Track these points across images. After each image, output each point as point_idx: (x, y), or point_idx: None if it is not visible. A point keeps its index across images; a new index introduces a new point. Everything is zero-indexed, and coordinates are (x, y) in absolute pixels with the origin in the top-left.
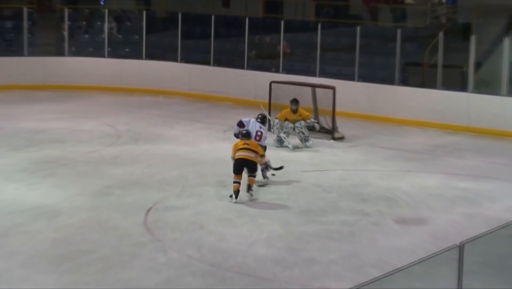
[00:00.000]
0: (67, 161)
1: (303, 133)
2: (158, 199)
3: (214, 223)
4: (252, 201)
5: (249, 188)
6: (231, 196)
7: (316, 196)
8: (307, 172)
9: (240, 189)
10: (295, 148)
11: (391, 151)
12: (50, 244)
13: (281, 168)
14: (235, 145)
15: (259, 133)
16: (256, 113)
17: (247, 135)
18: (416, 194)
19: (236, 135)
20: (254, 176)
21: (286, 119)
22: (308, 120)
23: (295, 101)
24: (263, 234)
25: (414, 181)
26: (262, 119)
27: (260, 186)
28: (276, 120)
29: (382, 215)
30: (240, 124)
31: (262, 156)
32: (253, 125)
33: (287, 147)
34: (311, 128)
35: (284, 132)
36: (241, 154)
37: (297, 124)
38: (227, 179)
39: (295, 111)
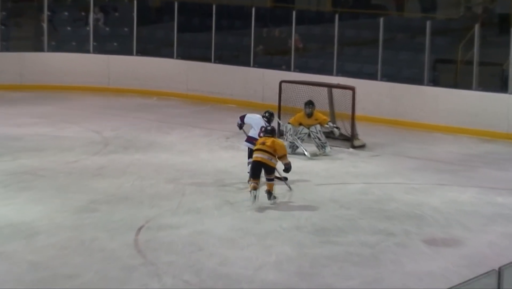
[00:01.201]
0: (46, 172)
1: (319, 138)
2: (150, 216)
3: (215, 244)
4: (259, 215)
5: (269, 195)
6: (272, 198)
7: (332, 213)
8: (322, 185)
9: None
10: (313, 155)
11: (419, 161)
12: (27, 268)
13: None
14: (256, 143)
15: (261, 134)
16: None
17: (269, 132)
18: (448, 210)
19: (239, 126)
20: (272, 179)
21: (300, 124)
22: (326, 125)
23: (310, 104)
24: (272, 257)
25: (446, 195)
26: (269, 118)
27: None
28: (289, 126)
29: (409, 235)
30: (242, 119)
31: (283, 156)
32: (258, 121)
33: (303, 154)
34: (329, 134)
35: (299, 138)
36: (256, 156)
37: (312, 128)
38: (230, 194)
39: (309, 115)
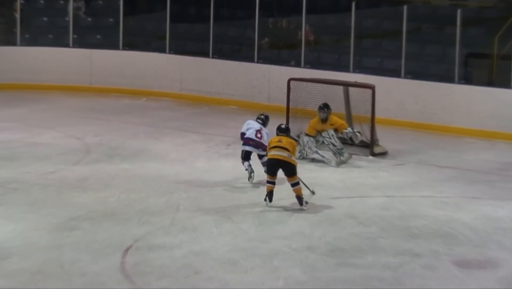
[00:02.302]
0: (19, 185)
1: (333, 144)
2: (139, 234)
3: (214, 266)
4: (265, 233)
5: (299, 201)
6: (265, 200)
7: (349, 230)
8: (338, 198)
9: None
10: (340, 163)
11: (449, 171)
12: None
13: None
14: (270, 142)
15: (258, 134)
16: (270, 121)
17: (284, 131)
18: (482, 228)
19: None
20: (297, 183)
21: (316, 132)
22: (345, 130)
23: (324, 108)
24: (279, 281)
25: (480, 210)
26: (264, 120)
27: None
28: (306, 138)
29: (437, 256)
30: (242, 136)
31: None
32: (252, 124)
33: (321, 162)
34: (346, 140)
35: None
36: (273, 153)
37: (324, 134)
38: (231, 209)
39: (324, 120)
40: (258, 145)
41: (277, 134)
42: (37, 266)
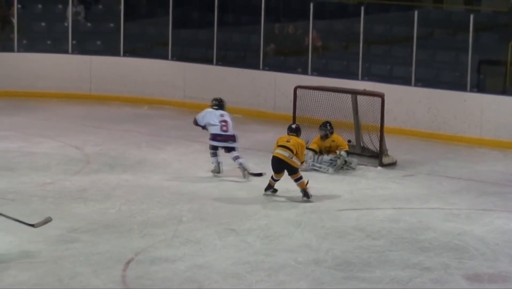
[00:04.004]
0: (17, 196)
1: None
2: (141, 247)
3: (217, 280)
4: (270, 246)
5: (304, 194)
6: (265, 189)
7: (357, 243)
8: (345, 210)
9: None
10: (338, 168)
11: (461, 182)
12: None
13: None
14: (278, 140)
15: (223, 123)
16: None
17: (294, 130)
18: (494, 241)
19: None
20: (299, 178)
21: (320, 149)
22: (341, 153)
23: (324, 126)
24: None
25: (492, 223)
26: (219, 104)
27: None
28: (310, 153)
29: (448, 270)
30: (197, 123)
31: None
32: (211, 116)
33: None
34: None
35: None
36: (276, 152)
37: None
38: (235, 220)
39: (323, 137)
40: (226, 139)
41: (288, 134)
42: (36, 279)
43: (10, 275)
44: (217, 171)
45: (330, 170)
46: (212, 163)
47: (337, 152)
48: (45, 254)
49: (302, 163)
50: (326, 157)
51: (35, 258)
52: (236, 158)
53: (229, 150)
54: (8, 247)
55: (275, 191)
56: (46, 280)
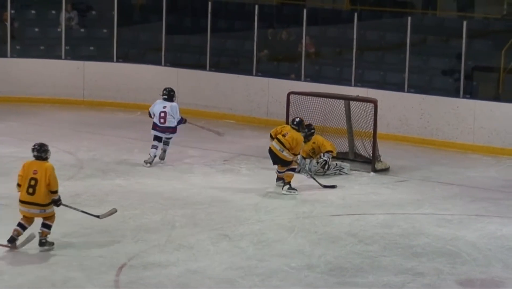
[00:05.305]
0: (9, 201)
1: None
2: (134, 252)
3: (210, 285)
4: (263, 251)
5: (284, 184)
6: (276, 180)
7: (350, 249)
8: (338, 216)
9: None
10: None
11: (453, 188)
12: None
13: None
14: (277, 130)
15: (162, 114)
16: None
17: (296, 125)
18: (486, 246)
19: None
20: (291, 170)
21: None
22: (322, 158)
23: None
24: None
25: (484, 228)
26: (168, 95)
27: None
28: (299, 157)
29: (441, 275)
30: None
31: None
32: (158, 106)
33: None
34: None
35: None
36: (271, 144)
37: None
38: (228, 226)
39: (304, 138)
40: (164, 130)
41: (290, 126)
42: (28, 284)
43: (3, 280)
44: (149, 161)
45: (309, 174)
46: (149, 154)
47: (320, 155)
48: (38, 259)
49: (296, 155)
50: (314, 162)
51: (28, 263)
52: (165, 143)
53: (165, 142)
54: (1, 252)
55: (284, 183)
56: (39, 285)
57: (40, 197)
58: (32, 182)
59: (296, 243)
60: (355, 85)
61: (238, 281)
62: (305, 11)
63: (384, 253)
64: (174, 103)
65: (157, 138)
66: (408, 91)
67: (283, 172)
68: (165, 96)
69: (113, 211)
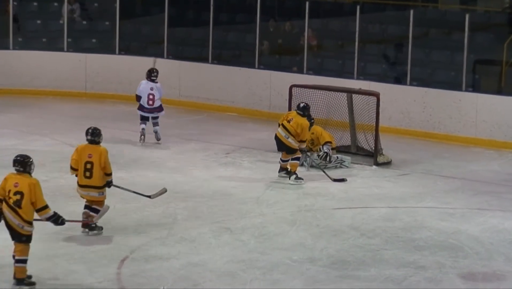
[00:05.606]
0: None
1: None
2: (136, 245)
3: (212, 278)
4: (265, 244)
5: (288, 173)
6: (279, 171)
7: (352, 242)
8: (340, 209)
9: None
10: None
11: (455, 181)
12: None
13: (342, 180)
14: (283, 117)
15: (150, 96)
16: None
17: (302, 109)
18: (489, 240)
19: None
20: (295, 158)
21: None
22: (320, 152)
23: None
24: None
25: (487, 222)
26: (150, 75)
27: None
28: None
29: (443, 269)
30: (138, 98)
31: (304, 142)
32: (144, 87)
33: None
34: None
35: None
36: (277, 131)
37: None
38: (230, 219)
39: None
40: (152, 110)
41: (295, 111)
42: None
43: (4, 273)
44: (142, 139)
45: (320, 168)
46: (140, 131)
47: (320, 148)
48: (40, 252)
49: (303, 142)
50: (315, 155)
51: (30, 255)
52: (155, 124)
53: (154, 123)
54: (2, 245)
55: (289, 173)
56: (41, 277)
57: (97, 179)
58: (88, 166)
59: (298, 236)
60: (358, 78)
61: (239, 274)
62: (307, 3)
63: (386, 246)
64: (158, 84)
65: (144, 118)
66: (411, 84)
67: (287, 161)
68: (154, 78)
69: (163, 191)
